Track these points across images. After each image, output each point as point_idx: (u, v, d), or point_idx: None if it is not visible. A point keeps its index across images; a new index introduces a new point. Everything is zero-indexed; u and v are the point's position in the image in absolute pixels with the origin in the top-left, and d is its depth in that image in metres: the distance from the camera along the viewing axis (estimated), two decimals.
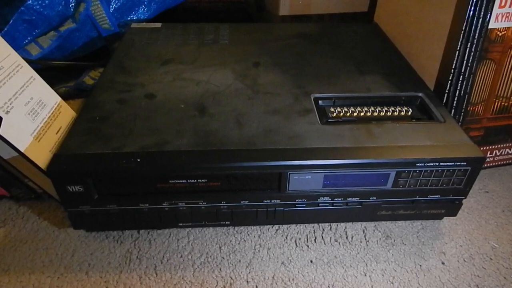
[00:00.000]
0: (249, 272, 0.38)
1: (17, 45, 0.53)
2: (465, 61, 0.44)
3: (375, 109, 0.42)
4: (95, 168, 0.34)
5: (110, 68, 0.49)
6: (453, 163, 0.36)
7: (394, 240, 0.41)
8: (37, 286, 0.36)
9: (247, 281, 0.37)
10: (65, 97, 0.46)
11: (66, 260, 0.39)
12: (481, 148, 0.49)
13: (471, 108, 0.46)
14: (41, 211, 0.44)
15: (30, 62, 0.44)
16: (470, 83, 0.45)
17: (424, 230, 0.42)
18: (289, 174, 0.36)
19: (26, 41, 0.54)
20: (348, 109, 0.42)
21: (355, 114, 0.42)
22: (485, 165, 0.51)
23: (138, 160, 0.35)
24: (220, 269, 0.38)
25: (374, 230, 0.42)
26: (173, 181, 0.36)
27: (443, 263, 0.39)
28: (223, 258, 0.39)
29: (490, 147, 0.50)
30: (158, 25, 0.59)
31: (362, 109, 0.42)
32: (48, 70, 0.57)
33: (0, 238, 0.41)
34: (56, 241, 0.41)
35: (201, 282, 0.37)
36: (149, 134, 0.38)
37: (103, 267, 0.38)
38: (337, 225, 0.43)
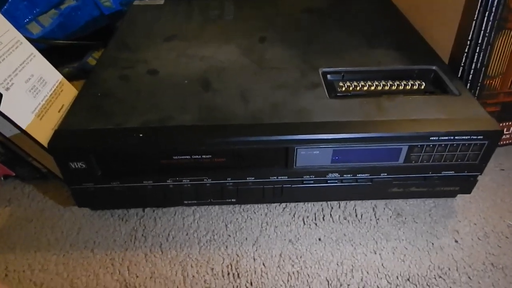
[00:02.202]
0: (256, 250, 0.37)
1: (18, 24, 0.52)
2: (482, 32, 0.41)
3: (386, 83, 0.40)
4: (97, 143, 0.34)
5: (112, 46, 0.47)
6: (469, 137, 0.34)
7: (405, 218, 0.40)
8: (43, 263, 0.36)
9: (254, 259, 0.36)
10: (68, 77, 0.46)
11: (72, 238, 0.38)
12: None
13: (487, 82, 0.44)
14: (46, 190, 0.44)
15: (32, 41, 0.43)
16: (487, 55, 0.42)
17: (437, 208, 0.41)
18: (297, 149, 0.35)
19: (27, 20, 0.53)
20: (358, 83, 0.40)
21: (365, 88, 0.40)
22: (501, 142, 0.49)
23: (141, 135, 0.34)
24: (226, 247, 0.37)
25: (384, 208, 0.41)
26: (176, 157, 0.35)
27: (456, 242, 0.38)
28: (229, 235, 0.38)
29: (507, 124, 0.48)
30: (161, 1, 0.58)
31: (372, 83, 0.40)
32: (51, 50, 0.56)
33: (6, 217, 0.41)
34: (61, 220, 0.40)
35: (207, 259, 0.36)
36: (152, 110, 0.37)
37: (108, 244, 0.38)
38: (346, 203, 0.42)
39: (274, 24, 0.52)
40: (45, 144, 0.37)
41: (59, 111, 0.42)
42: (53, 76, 0.43)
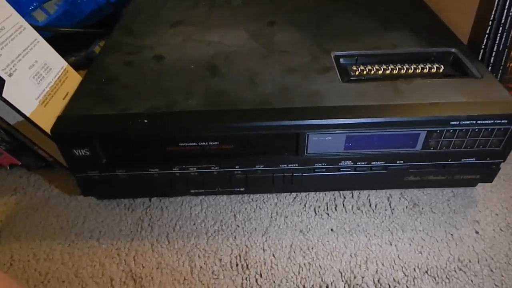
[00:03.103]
0: (266, 240, 0.36)
1: (23, 11, 0.51)
2: (505, 11, 0.39)
3: (402, 66, 0.38)
4: (101, 129, 0.33)
5: (117, 31, 0.46)
6: (492, 121, 0.32)
7: (422, 208, 0.38)
8: (48, 253, 0.35)
9: (264, 249, 0.35)
10: (74, 66, 0.45)
11: (77, 228, 0.38)
12: None
13: (510, 65, 0.42)
14: (52, 179, 0.43)
15: (37, 29, 0.42)
16: (510, 36, 0.40)
17: (456, 198, 0.39)
18: (308, 135, 0.33)
19: (32, 7, 0.52)
20: (372, 67, 0.38)
21: (380, 72, 0.38)
22: None
23: (146, 121, 0.32)
24: (235, 237, 0.36)
25: (400, 198, 0.39)
26: (183, 144, 0.34)
27: (477, 232, 0.36)
28: (238, 226, 0.37)
29: None
30: None
31: (387, 66, 0.38)
32: (58, 39, 0.55)
33: (12, 206, 0.40)
34: (67, 209, 0.40)
35: (215, 250, 0.35)
36: (158, 95, 0.35)
37: (114, 234, 0.37)
38: (359, 193, 0.40)
39: (283, 7, 0.50)
40: (49, 131, 0.36)
41: (63, 99, 0.41)
42: (57, 62, 0.42)
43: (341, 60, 0.40)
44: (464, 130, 0.33)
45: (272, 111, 0.33)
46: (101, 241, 0.36)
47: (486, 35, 0.41)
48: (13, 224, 0.38)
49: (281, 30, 0.45)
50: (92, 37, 0.59)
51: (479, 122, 0.32)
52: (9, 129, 0.38)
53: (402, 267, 0.33)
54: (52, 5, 0.53)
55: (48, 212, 0.39)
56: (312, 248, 0.35)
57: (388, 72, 0.38)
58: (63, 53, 0.44)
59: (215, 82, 0.37)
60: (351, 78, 0.37)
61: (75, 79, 0.44)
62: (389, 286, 0.32)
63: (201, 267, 0.34)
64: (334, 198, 0.39)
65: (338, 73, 0.37)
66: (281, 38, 0.43)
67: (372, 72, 0.38)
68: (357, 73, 0.38)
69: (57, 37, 0.56)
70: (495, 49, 0.41)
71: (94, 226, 0.38)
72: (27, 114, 0.36)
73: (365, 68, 0.38)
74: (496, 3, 0.39)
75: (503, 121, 0.32)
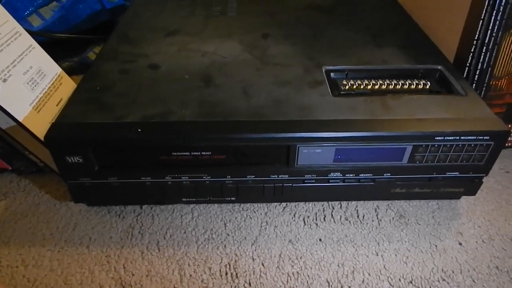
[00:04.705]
0: (255, 250, 0.36)
1: (19, 16, 0.52)
2: (489, 31, 0.41)
3: (390, 82, 0.39)
4: (95, 137, 0.33)
5: (113, 39, 0.47)
6: (475, 137, 0.34)
7: (408, 220, 0.39)
8: (37, 259, 0.35)
9: (253, 259, 0.35)
10: (68, 72, 0.45)
11: (67, 234, 0.38)
12: None
13: (493, 82, 0.43)
14: (43, 185, 0.43)
15: (32, 33, 0.42)
16: (493, 55, 0.42)
17: (440, 210, 0.40)
18: (298, 147, 0.34)
19: (28, 12, 0.52)
20: (362, 82, 0.39)
21: (369, 87, 0.39)
22: (506, 144, 0.49)
23: (139, 130, 0.33)
24: (225, 246, 0.37)
25: (386, 209, 0.40)
26: (176, 154, 0.34)
27: (460, 244, 0.37)
28: (228, 235, 0.38)
29: None
30: None
31: (376, 82, 0.39)
32: (52, 44, 0.56)
33: (1, 211, 0.40)
34: (57, 215, 0.40)
35: (205, 258, 0.36)
36: (152, 104, 0.36)
37: (104, 241, 0.37)
38: (347, 204, 0.41)
39: (277, 20, 0.51)
40: (41, 137, 0.36)
41: (57, 105, 0.41)
42: (52, 69, 0.42)
43: (332, 74, 0.41)
44: (448, 146, 0.34)
45: (265, 123, 0.34)
46: (91, 248, 0.36)
47: (471, 54, 0.43)
48: (1, 229, 0.38)
49: (274, 43, 0.46)
50: (86, 42, 0.60)
51: (462, 138, 0.34)
52: (0, 134, 0.38)
53: (387, 277, 0.34)
54: (48, 11, 0.53)
55: (38, 218, 0.39)
56: (300, 258, 0.36)
57: (377, 87, 0.39)
58: (57, 58, 0.44)
59: (209, 93, 0.37)
60: (341, 92, 0.38)
61: (69, 85, 0.44)
62: None
63: (190, 275, 0.34)
64: (323, 209, 0.40)
65: (328, 87, 0.38)
66: (274, 51, 0.44)
67: (362, 87, 0.39)
68: (347, 87, 0.39)
69: (51, 41, 0.56)
70: (479, 67, 0.43)
71: (84, 233, 0.38)
72: (20, 120, 0.36)
73: (355, 82, 0.39)
74: (480, 23, 0.41)
75: (485, 138, 0.34)
